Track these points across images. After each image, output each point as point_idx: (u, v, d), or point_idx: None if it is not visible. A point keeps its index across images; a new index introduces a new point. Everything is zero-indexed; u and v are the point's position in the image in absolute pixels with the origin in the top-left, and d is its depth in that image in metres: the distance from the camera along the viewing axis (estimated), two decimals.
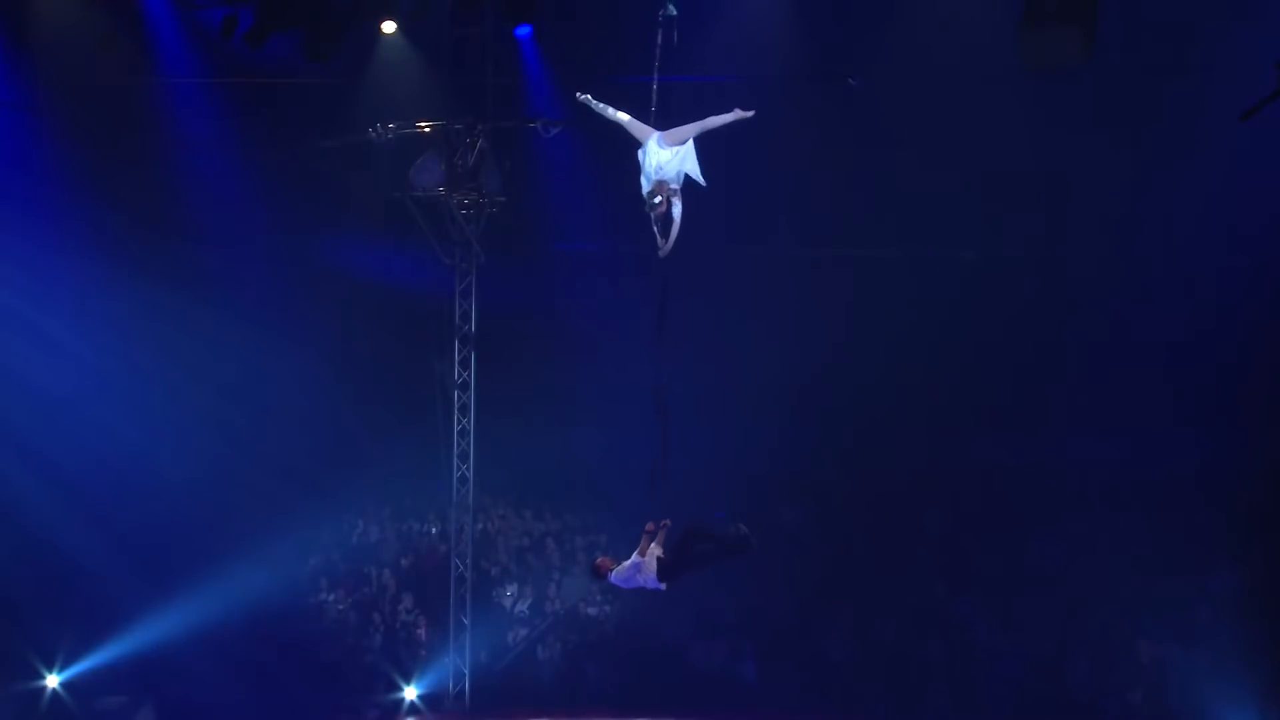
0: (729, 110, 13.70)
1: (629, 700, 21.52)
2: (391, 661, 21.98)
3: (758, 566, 22.30)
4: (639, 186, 13.85)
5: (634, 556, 14.63)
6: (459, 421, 21.75)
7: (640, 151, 13.82)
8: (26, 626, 21.15)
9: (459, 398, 21.78)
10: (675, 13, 14.28)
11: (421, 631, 22.50)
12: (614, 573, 14.74)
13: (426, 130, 21.20)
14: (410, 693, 21.23)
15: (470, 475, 21.68)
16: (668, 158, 13.66)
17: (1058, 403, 21.21)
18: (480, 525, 22.30)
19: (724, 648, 22.00)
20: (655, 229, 13.88)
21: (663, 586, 14.60)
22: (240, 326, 22.27)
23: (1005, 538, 21.32)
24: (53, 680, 21.26)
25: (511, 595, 23.21)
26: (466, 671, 21.40)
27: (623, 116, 13.88)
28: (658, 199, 13.63)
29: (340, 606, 22.81)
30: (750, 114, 13.72)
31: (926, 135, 20.99)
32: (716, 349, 22.04)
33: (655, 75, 14.16)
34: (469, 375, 21.82)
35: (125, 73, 21.67)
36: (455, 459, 21.69)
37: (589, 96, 14.04)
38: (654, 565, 14.52)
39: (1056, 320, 21.42)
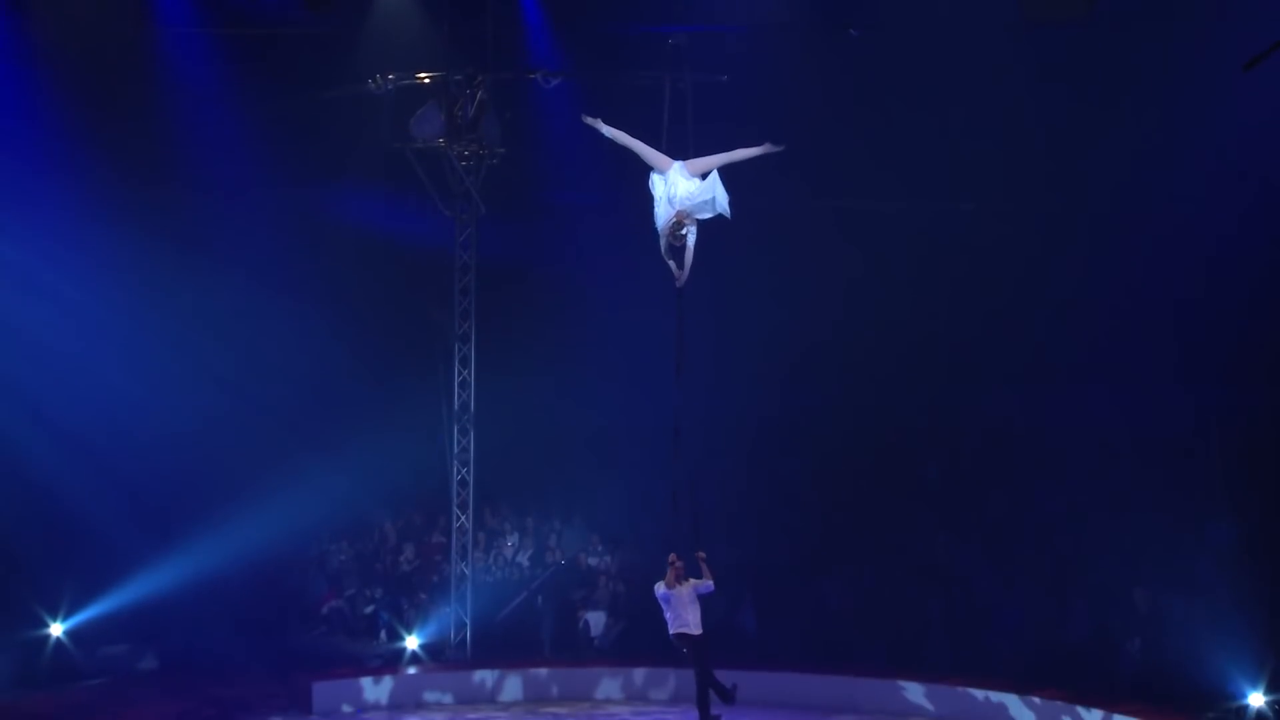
0: (758, 144, 13.65)
1: (628, 650, 21.67)
2: (393, 611, 22.12)
3: (758, 518, 22.46)
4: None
5: (663, 588, 15.47)
6: (459, 373, 21.78)
7: (656, 179, 13.67)
8: (30, 576, 21.26)
9: (459, 349, 21.80)
10: (685, 41, 14.23)
11: (422, 583, 22.62)
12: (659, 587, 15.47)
13: (426, 81, 21.14)
14: (411, 642, 21.34)
15: (470, 427, 21.72)
16: (693, 188, 13.53)
17: (1058, 357, 21.23)
18: (480, 476, 22.31)
19: (724, 599, 22.10)
20: (668, 259, 13.84)
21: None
22: (240, 278, 22.24)
23: (1005, 490, 21.39)
24: (57, 629, 21.41)
25: (512, 546, 23.32)
26: (468, 621, 21.52)
27: (637, 144, 13.75)
28: (683, 230, 13.57)
29: (341, 557, 22.92)
30: (780, 149, 13.66)
31: (927, 88, 20.91)
32: (717, 304, 22.00)
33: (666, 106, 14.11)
34: (469, 327, 21.83)
35: (125, 22, 21.56)
36: (455, 410, 21.73)
37: (598, 120, 13.90)
38: (684, 610, 15.28)
39: (1057, 275, 21.40)
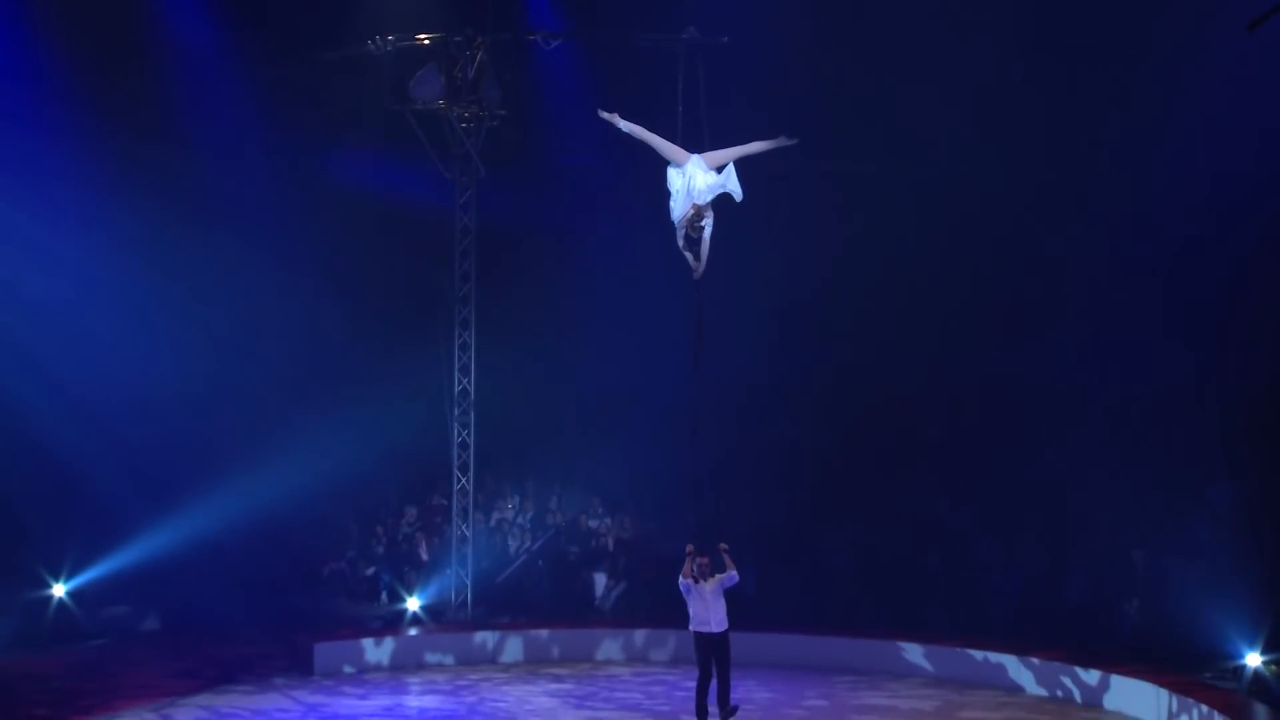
0: (773, 137, 13.62)
1: (629, 611, 21.76)
2: (394, 573, 22.20)
3: (757, 480, 22.51)
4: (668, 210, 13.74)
5: (686, 580, 15.35)
6: (459, 335, 21.78)
7: (674, 172, 13.63)
8: (32, 537, 21.34)
9: (459, 312, 21.79)
10: (697, 34, 14.15)
11: (422, 545, 22.69)
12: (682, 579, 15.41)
13: (426, 43, 21.08)
14: (412, 604, 21.42)
15: (471, 388, 21.74)
16: (711, 181, 13.53)
17: (1057, 318, 21.22)
18: (480, 439, 22.35)
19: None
20: (685, 251, 13.81)
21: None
22: (240, 239, 22.21)
23: (1004, 451, 21.43)
24: (59, 590, 21.50)
25: (513, 508, 23.40)
26: (469, 583, 21.59)
27: (655, 138, 13.69)
28: (701, 221, 13.56)
29: (343, 519, 22.96)
30: (794, 141, 13.64)
31: (923, 49, 20.82)
32: (716, 264, 21.95)
33: (680, 105, 14.03)
34: (470, 289, 21.83)
35: None
36: (456, 373, 21.75)
37: (615, 115, 13.80)
38: (706, 607, 15.17)
39: (1056, 235, 21.36)
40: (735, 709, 15.24)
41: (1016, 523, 20.83)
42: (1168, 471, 19.47)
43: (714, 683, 15.26)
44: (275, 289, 22.32)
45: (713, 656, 15.15)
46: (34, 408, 20.91)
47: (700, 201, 13.59)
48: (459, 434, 21.72)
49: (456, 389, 21.74)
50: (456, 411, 21.76)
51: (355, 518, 23.07)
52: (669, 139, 13.99)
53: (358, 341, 23.00)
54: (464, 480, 21.73)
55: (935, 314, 22.53)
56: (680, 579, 15.44)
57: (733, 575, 15.27)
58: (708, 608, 15.15)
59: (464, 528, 21.71)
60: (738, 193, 13.73)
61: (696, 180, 13.54)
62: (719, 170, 13.66)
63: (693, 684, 18.01)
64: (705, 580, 15.28)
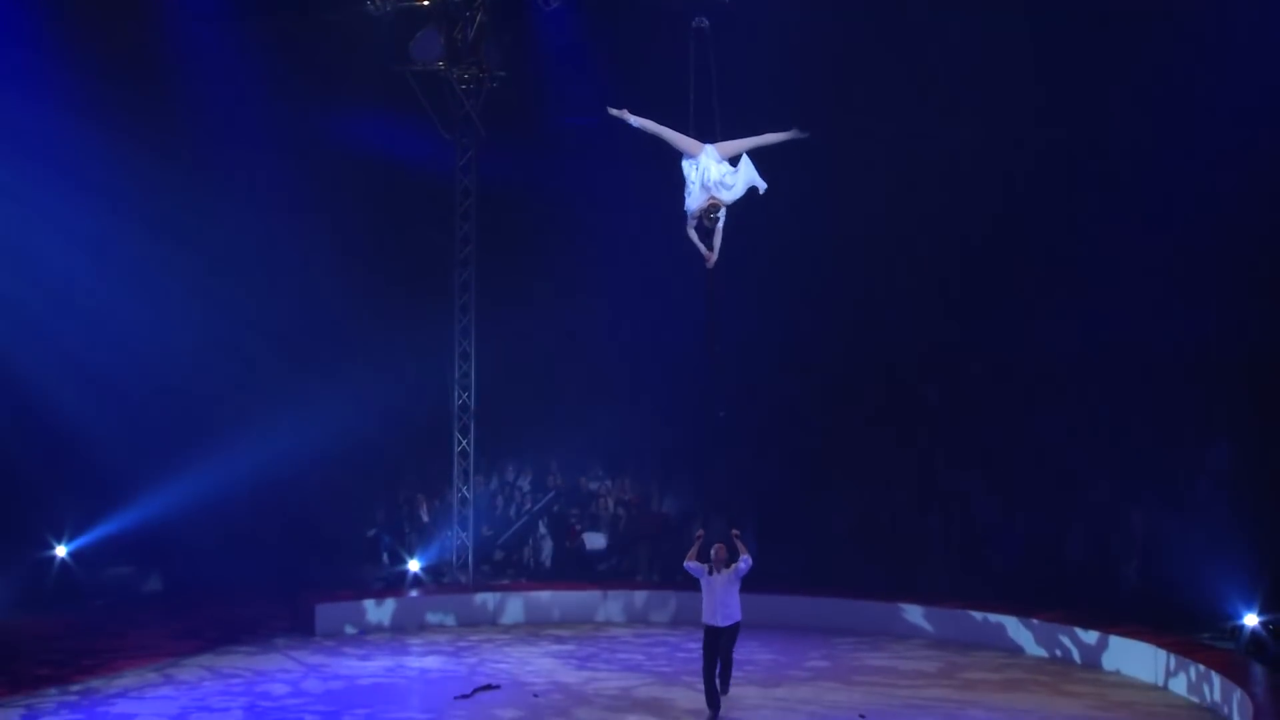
0: (786, 129, 13.56)
1: (629, 573, 21.82)
2: (395, 535, 22.24)
3: (759, 442, 22.54)
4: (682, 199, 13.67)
5: (693, 561, 15.27)
6: (460, 298, 21.76)
7: (688, 164, 13.58)
8: (36, 498, 21.38)
9: (460, 274, 21.77)
10: (707, 23, 14.07)
11: (423, 507, 22.73)
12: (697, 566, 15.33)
13: (425, 3, 20.96)
14: (413, 565, 21.47)
15: (472, 351, 21.74)
16: (725, 171, 13.48)
17: (1057, 280, 21.18)
18: (481, 401, 22.34)
19: (723, 521, 22.19)
20: (697, 241, 13.76)
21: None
22: (240, 201, 22.18)
23: (1004, 413, 21.44)
24: (61, 551, 21.57)
25: (513, 470, 23.43)
26: (469, 545, 21.64)
27: (666, 131, 13.58)
28: (716, 213, 13.52)
29: (344, 481, 22.98)
30: (806, 134, 13.59)
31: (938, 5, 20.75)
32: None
33: (692, 88, 13.97)
34: (470, 251, 21.80)
35: None
36: (457, 335, 21.74)
37: (624, 111, 13.71)
38: (716, 598, 15.02)
39: (1057, 196, 21.31)
40: (718, 708, 15.21)
41: (1016, 485, 20.86)
42: (1167, 433, 19.48)
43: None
44: (275, 251, 22.29)
45: (724, 647, 15.10)
46: (35, 370, 20.92)
47: (725, 199, 13.54)
48: (459, 396, 21.72)
49: (457, 351, 21.73)
50: (457, 374, 21.75)
51: (356, 480, 23.03)
52: (680, 128, 13.89)
53: (358, 304, 22.96)
54: (464, 442, 21.74)
55: (935, 277, 22.50)
56: (686, 561, 15.40)
57: (746, 560, 15.16)
58: (717, 600, 15.02)
59: (464, 490, 21.74)
60: (761, 185, 13.69)
61: (711, 172, 13.48)
62: (732, 161, 13.59)
63: (694, 645, 18.14)
64: (720, 571, 15.16)
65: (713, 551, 15.16)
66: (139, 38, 21.73)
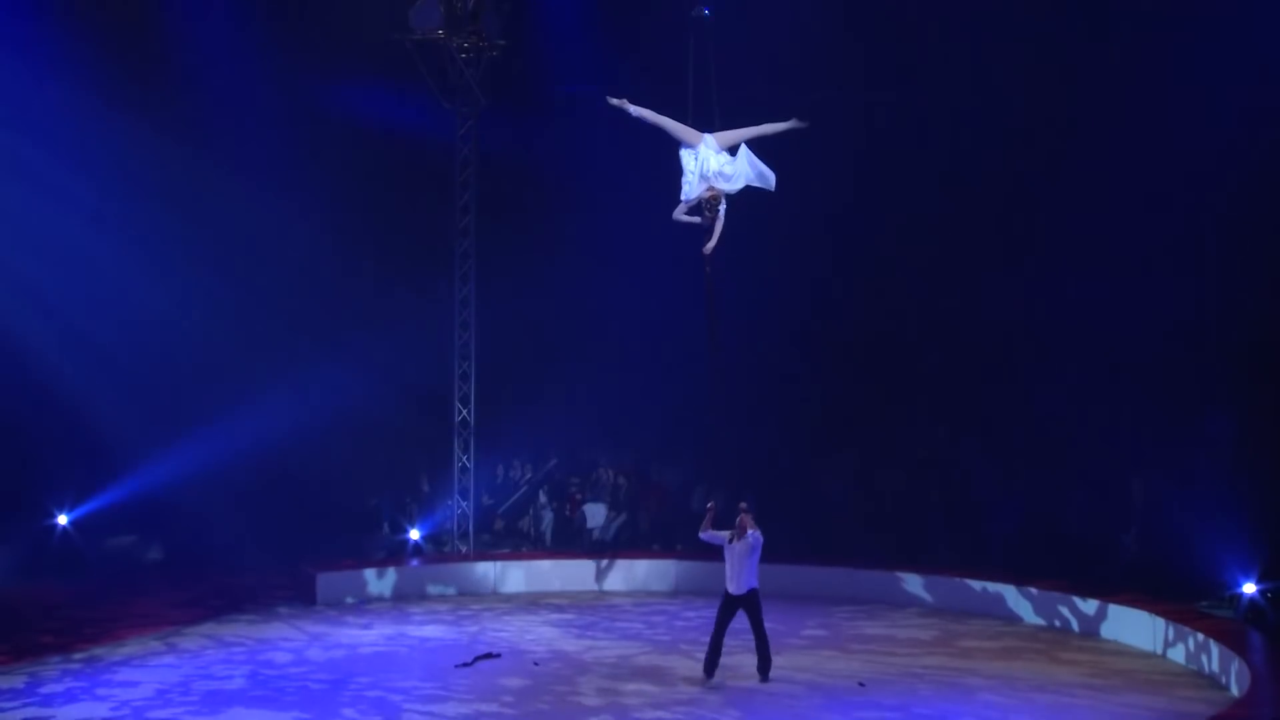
0: (786, 120, 13.51)
1: (629, 542, 21.85)
2: (395, 505, 22.28)
3: (758, 412, 22.56)
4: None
5: (709, 531, 15.57)
6: (460, 267, 21.75)
7: (686, 153, 13.55)
8: (38, 467, 21.44)
9: (460, 243, 21.75)
10: (708, 12, 14.01)
11: (424, 477, 22.75)
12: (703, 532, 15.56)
13: None
14: (414, 535, 21.52)
15: (472, 320, 21.74)
16: (724, 162, 13.45)
17: (1057, 250, 21.16)
18: (481, 370, 22.34)
19: (724, 491, 22.21)
20: (685, 219, 13.73)
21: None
22: (240, 169, 22.11)
23: (1004, 382, 21.46)
24: (63, 519, 21.63)
25: (518, 465, 23.37)
26: (470, 514, 21.68)
27: (666, 121, 13.53)
28: (717, 205, 13.50)
29: (345, 451, 22.99)
30: (805, 125, 13.54)
31: None
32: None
33: (690, 78, 13.95)
34: (470, 221, 21.78)
35: None
36: (457, 304, 21.73)
37: (624, 101, 13.63)
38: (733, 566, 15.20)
39: (1059, 166, 21.27)
40: (712, 670, 15.28)
41: (1016, 454, 20.89)
42: (1167, 402, 19.50)
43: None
44: (276, 220, 22.26)
45: (733, 617, 15.19)
46: (37, 340, 20.96)
47: (725, 189, 13.53)
48: (459, 365, 21.74)
49: (457, 320, 21.74)
50: (457, 343, 21.76)
51: (357, 449, 23.04)
52: (679, 114, 13.86)
53: (359, 273, 22.97)
54: (464, 412, 21.77)
55: (935, 246, 22.47)
56: (701, 533, 15.53)
57: (755, 535, 15.25)
58: (733, 568, 15.18)
59: (465, 459, 21.77)
60: (770, 181, 13.70)
61: (710, 162, 13.46)
62: (731, 151, 13.57)
63: (693, 614, 18.29)
64: (738, 540, 15.23)
65: (738, 520, 15.26)
66: (139, 8, 21.69)
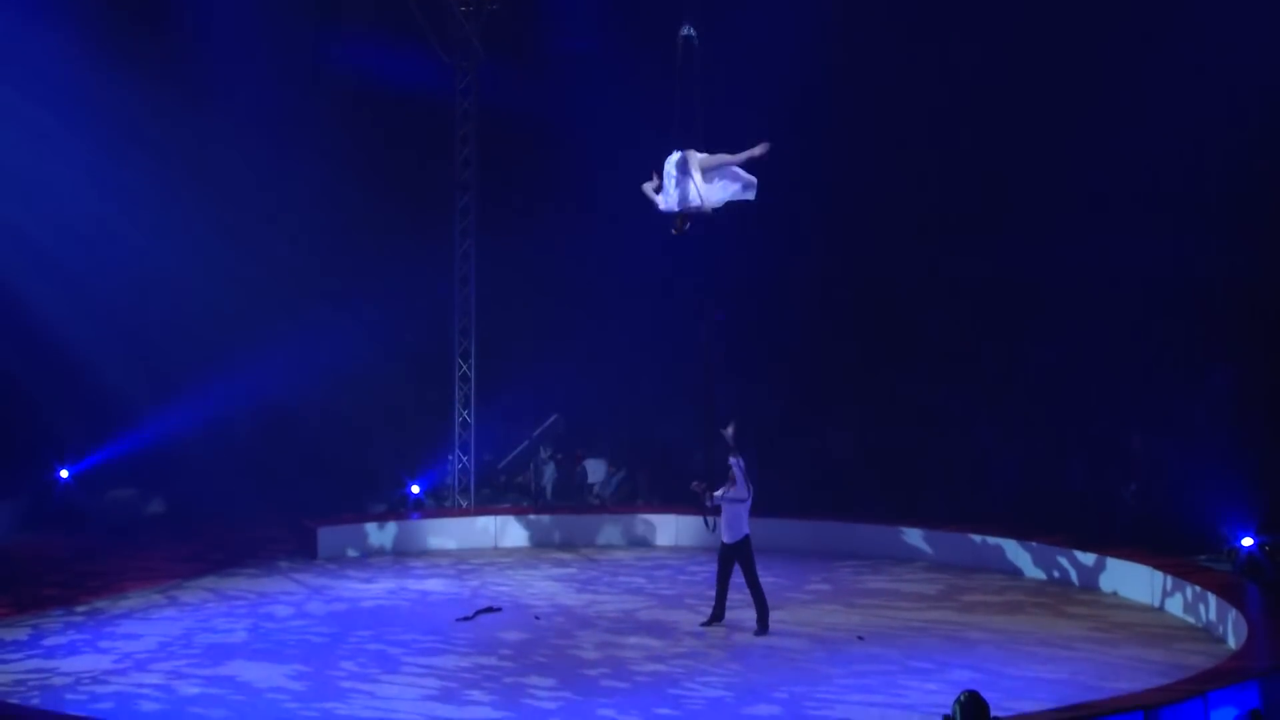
0: (757, 145, 13.61)
1: (630, 497, 21.89)
2: (396, 459, 22.28)
3: (759, 368, 22.56)
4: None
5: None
6: (460, 222, 21.70)
7: (670, 161, 13.70)
8: (39, 422, 21.49)
9: (460, 198, 21.69)
10: (694, 34, 14.01)
11: (426, 432, 22.78)
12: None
13: None
14: (415, 490, 21.56)
15: (472, 275, 21.71)
16: (674, 163, 13.63)
17: (1058, 205, 21.11)
18: (481, 325, 22.32)
19: (724, 448, 22.21)
20: (652, 196, 14.08)
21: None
22: (240, 126, 22.07)
23: (1005, 337, 21.45)
24: (64, 474, 21.67)
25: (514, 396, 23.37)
26: (471, 469, 21.71)
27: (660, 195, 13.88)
28: (685, 225, 13.82)
29: (346, 405, 23.01)
30: (768, 147, 13.62)
31: None
32: (716, 147, 21.79)
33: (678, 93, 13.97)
34: (470, 176, 21.71)
35: None
36: (457, 259, 21.70)
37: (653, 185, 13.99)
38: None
39: (1057, 125, 21.19)
40: (715, 615, 15.45)
41: (1016, 410, 20.89)
42: (1168, 356, 19.50)
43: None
44: (277, 175, 22.21)
45: (731, 566, 15.35)
46: (38, 295, 20.96)
47: (669, 194, 13.65)
48: (460, 320, 21.72)
49: (457, 275, 21.70)
50: (457, 298, 21.73)
51: (357, 404, 23.07)
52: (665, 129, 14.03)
53: (360, 227, 22.91)
54: (465, 367, 21.77)
55: (935, 203, 22.40)
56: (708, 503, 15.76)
57: (739, 474, 15.51)
58: (723, 516, 15.47)
59: (466, 414, 21.78)
60: (753, 194, 13.97)
61: (670, 162, 13.65)
62: (704, 174, 13.65)
63: (696, 568, 18.39)
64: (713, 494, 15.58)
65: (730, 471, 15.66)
66: None
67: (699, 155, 13.62)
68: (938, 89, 21.86)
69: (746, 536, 15.38)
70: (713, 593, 15.75)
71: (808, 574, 18.39)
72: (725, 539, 15.37)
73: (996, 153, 21.64)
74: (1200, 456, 17.85)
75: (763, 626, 15.23)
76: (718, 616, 15.47)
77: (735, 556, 15.33)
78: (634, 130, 20.66)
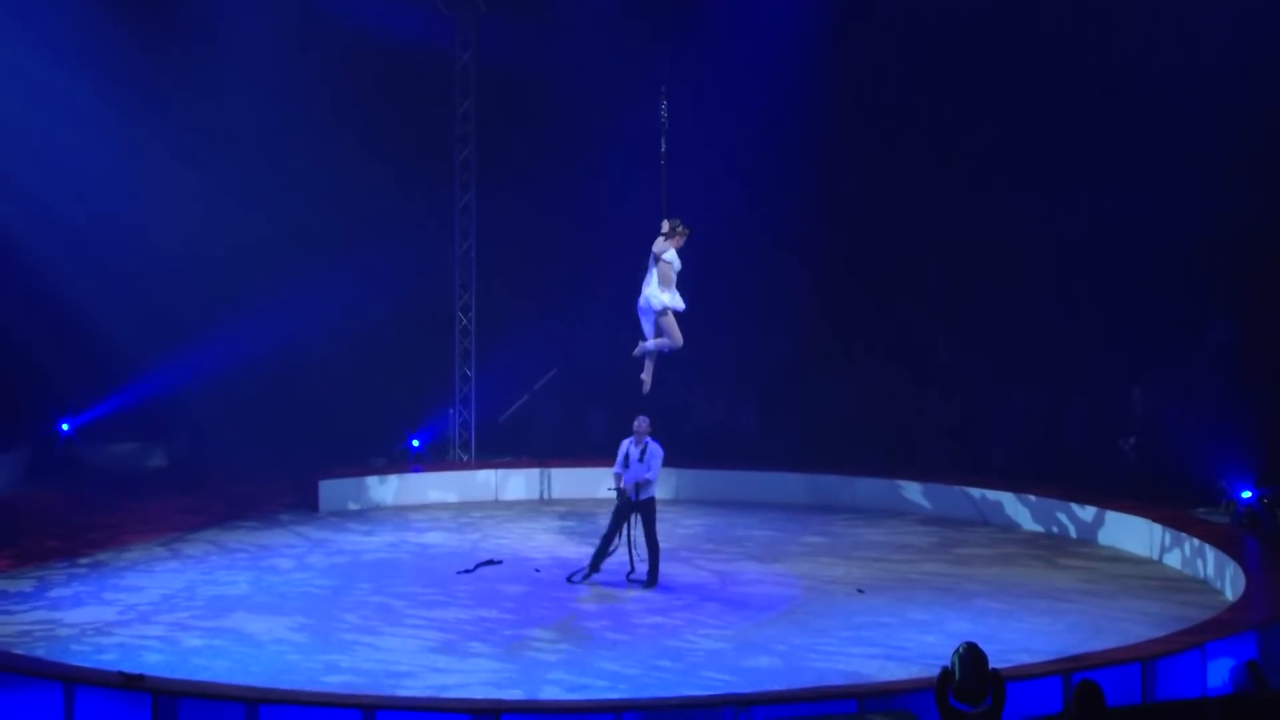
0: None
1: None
2: (397, 412, 22.31)
3: (759, 321, 22.57)
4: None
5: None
6: (460, 175, 21.66)
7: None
8: (40, 375, 21.52)
9: (460, 151, 21.64)
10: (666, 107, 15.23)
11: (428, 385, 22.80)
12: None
13: None
14: (416, 443, 21.61)
15: (473, 228, 21.69)
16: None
17: (1059, 157, 21.04)
18: (482, 278, 22.30)
19: (726, 401, 22.30)
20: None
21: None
22: (240, 79, 21.93)
23: (1004, 290, 21.45)
24: (66, 427, 21.73)
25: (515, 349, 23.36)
26: (471, 422, 21.76)
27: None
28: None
29: (346, 359, 23.01)
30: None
31: None
32: (717, 100, 21.76)
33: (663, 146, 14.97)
34: (470, 128, 21.65)
35: None
36: (457, 212, 21.67)
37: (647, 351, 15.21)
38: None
39: (1062, 79, 21.10)
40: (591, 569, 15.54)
41: (1017, 363, 20.92)
42: (1168, 310, 19.51)
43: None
44: (276, 128, 22.09)
45: (626, 521, 15.45)
46: (39, 249, 20.96)
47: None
48: (461, 274, 21.70)
49: (458, 228, 21.68)
50: (458, 251, 21.72)
51: (358, 358, 23.06)
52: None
53: (360, 181, 22.81)
54: (465, 320, 21.78)
55: (936, 153, 22.33)
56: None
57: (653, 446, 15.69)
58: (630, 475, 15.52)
59: (466, 368, 21.81)
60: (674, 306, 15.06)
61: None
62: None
63: (693, 521, 18.45)
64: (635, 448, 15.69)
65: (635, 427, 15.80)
66: None
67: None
68: (939, 39, 21.73)
69: (653, 498, 15.51)
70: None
71: (805, 526, 18.49)
72: (633, 498, 15.42)
73: (1001, 107, 21.55)
74: (1199, 410, 17.90)
75: (653, 580, 15.34)
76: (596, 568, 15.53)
77: (639, 511, 15.36)
78: (635, 84, 20.65)
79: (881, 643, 13.18)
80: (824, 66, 21.77)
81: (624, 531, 15.44)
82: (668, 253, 14.94)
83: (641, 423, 15.65)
